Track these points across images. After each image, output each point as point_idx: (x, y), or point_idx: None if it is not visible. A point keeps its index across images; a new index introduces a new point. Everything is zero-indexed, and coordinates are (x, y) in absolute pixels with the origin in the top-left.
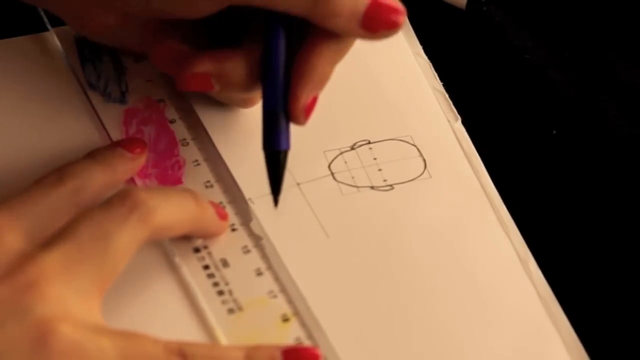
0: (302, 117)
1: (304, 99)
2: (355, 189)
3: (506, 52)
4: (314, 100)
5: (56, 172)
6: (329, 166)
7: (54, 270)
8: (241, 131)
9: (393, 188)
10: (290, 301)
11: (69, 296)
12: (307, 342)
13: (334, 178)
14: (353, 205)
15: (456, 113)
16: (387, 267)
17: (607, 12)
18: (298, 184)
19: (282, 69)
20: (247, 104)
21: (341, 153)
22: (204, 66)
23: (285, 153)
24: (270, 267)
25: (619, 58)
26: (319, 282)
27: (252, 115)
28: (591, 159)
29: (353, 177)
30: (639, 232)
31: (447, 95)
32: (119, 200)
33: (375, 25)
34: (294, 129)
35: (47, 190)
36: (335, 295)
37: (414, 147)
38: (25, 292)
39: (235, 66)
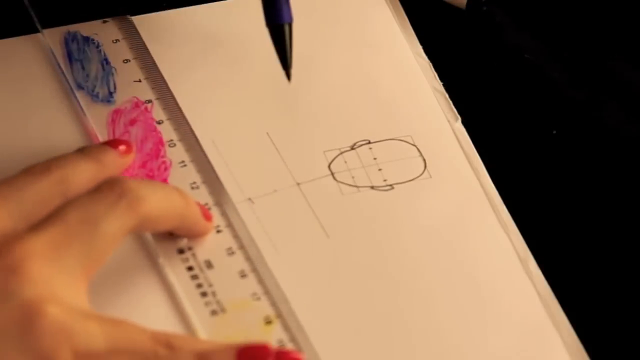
0: None
1: None
2: (355, 188)
3: (506, 52)
4: None
5: (44, 162)
6: (329, 166)
7: (41, 251)
8: (232, 132)
9: (393, 188)
10: (273, 303)
11: (55, 278)
12: (289, 345)
13: (334, 178)
14: (353, 205)
15: (456, 113)
16: (387, 267)
17: (607, 12)
18: (298, 184)
19: None
20: None
21: (341, 153)
22: None
23: (289, 25)
24: (254, 270)
25: (619, 58)
26: (319, 282)
27: (244, 117)
28: (591, 159)
29: (353, 177)
30: (639, 232)
31: (447, 95)
32: (108, 186)
33: None
34: (294, 129)
35: (34, 178)
36: (331, 296)
37: (414, 147)
38: (12, 274)
39: None
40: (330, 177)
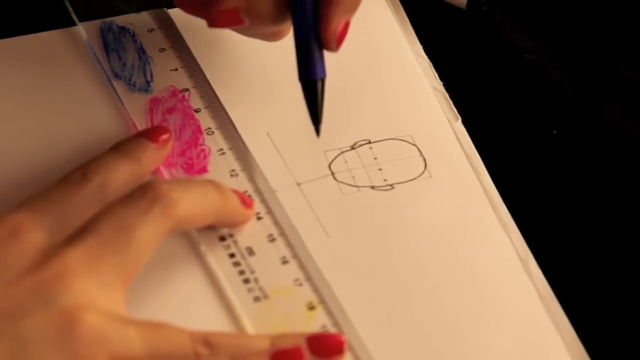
0: (335, 43)
1: (335, 25)
2: (355, 188)
3: (506, 52)
4: (346, 25)
5: (81, 168)
6: (329, 166)
7: (78, 265)
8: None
9: (393, 188)
10: (315, 289)
11: (93, 289)
12: (333, 330)
13: (335, 178)
14: (353, 205)
15: (456, 113)
16: (387, 267)
17: (607, 12)
18: (298, 184)
19: None
20: (275, 37)
21: (341, 153)
22: (233, 2)
23: (322, 82)
24: (295, 256)
25: (619, 58)
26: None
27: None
28: (591, 159)
29: (353, 177)
30: (639, 232)
31: (447, 95)
32: (141, 193)
33: None
34: (294, 130)
35: (72, 189)
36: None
37: (415, 147)
38: (50, 285)
39: None
40: (331, 177)
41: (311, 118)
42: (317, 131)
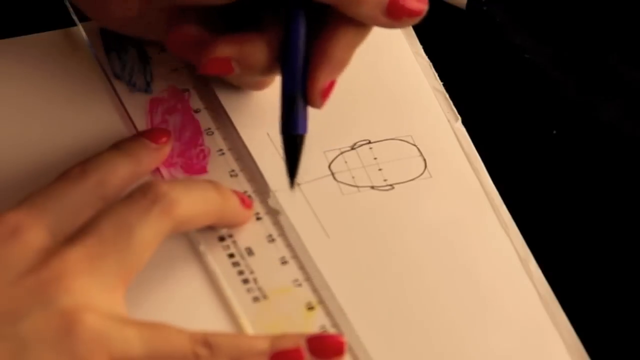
0: (319, 100)
1: (321, 83)
2: (355, 188)
3: (506, 52)
4: (332, 84)
5: (80, 165)
6: (329, 166)
7: (78, 264)
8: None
9: (393, 188)
10: (315, 290)
11: (93, 289)
12: (332, 330)
13: (334, 178)
14: (353, 205)
15: (456, 113)
16: (387, 267)
17: (607, 12)
18: (298, 184)
19: (302, 53)
20: (260, 86)
21: (341, 153)
22: (225, 50)
23: (302, 137)
24: (295, 256)
25: (619, 58)
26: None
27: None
28: (591, 159)
29: (353, 177)
30: (639, 232)
31: (447, 95)
32: (141, 193)
33: (399, 12)
34: None
35: (71, 185)
36: (343, 294)
37: (415, 147)
38: (50, 285)
39: (256, 49)
40: (331, 177)
41: (287, 171)
42: (292, 184)
